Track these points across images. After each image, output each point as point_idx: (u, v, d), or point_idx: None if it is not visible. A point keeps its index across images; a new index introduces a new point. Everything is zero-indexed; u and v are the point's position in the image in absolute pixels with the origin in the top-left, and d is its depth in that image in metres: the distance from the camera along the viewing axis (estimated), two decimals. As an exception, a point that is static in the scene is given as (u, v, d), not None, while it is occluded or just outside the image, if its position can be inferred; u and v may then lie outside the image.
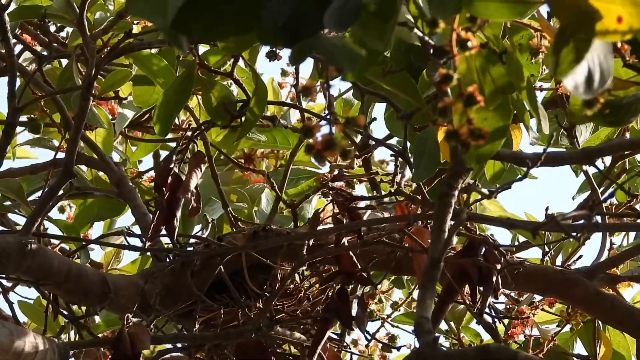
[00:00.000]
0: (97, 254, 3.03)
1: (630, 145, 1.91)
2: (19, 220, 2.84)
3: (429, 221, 2.00)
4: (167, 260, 2.25)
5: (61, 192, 2.20)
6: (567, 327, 2.65)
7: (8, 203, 2.79)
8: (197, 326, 2.16)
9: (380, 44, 1.05)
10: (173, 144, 2.65)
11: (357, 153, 2.26)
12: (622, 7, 0.96)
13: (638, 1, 0.95)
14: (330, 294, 2.21)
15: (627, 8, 0.96)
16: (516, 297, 2.63)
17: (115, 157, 2.89)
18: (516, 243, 2.85)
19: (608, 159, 2.62)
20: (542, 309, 2.62)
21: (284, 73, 3.20)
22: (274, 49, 2.81)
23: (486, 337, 2.78)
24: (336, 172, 2.67)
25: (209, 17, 1.03)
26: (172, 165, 2.30)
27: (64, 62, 2.81)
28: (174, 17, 1.03)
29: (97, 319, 2.71)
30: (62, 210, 3.19)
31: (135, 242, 2.76)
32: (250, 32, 1.04)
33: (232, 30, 1.05)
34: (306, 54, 1.04)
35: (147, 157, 3.08)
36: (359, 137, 2.35)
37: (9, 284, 2.52)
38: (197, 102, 2.67)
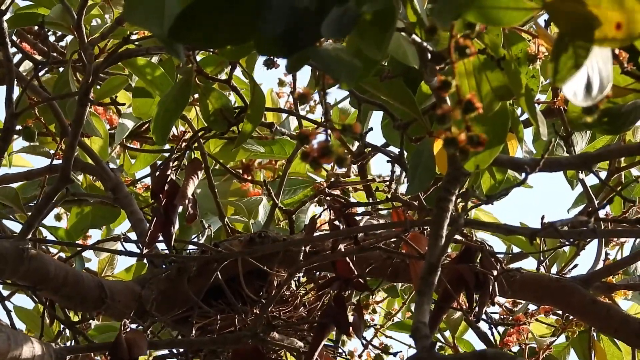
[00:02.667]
0: (94, 265, 3.02)
1: (628, 151, 1.91)
2: (12, 226, 2.86)
3: (425, 227, 2.00)
4: (164, 266, 2.25)
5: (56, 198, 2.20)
6: (562, 337, 2.65)
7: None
8: (193, 332, 2.16)
9: (378, 53, 1.05)
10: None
11: (353, 159, 2.27)
12: (621, 14, 0.97)
13: (637, 8, 0.96)
14: (326, 300, 2.21)
15: (626, 15, 0.97)
16: (510, 307, 2.64)
17: (112, 166, 2.88)
18: (510, 253, 2.85)
19: (603, 174, 2.63)
20: (537, 319, 2.62)
21: (281, 83, 3.21)
22: (272, 57, 2.82)
23: (480, 348, 2.79)
24: (332, 180, 2.67)
25: (206, 26, 1.03)
26: (169, 172, 2.30)
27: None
28: (170, 25, 1.03)
29: (92, 324, 2.71)
30: (58, 218, 3.17)
31: (131, 248, 2.76)
32: (248, 41, 1.04)
33: (230, 39, 1.05)
34: (303, 63, 1.05)
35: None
36: (356, 145, 2.36)
37: (7, 292, 2.52)
38: (195, 113, 2.68)
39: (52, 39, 2.91)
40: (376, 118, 3.08)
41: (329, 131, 1.01)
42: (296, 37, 0.99)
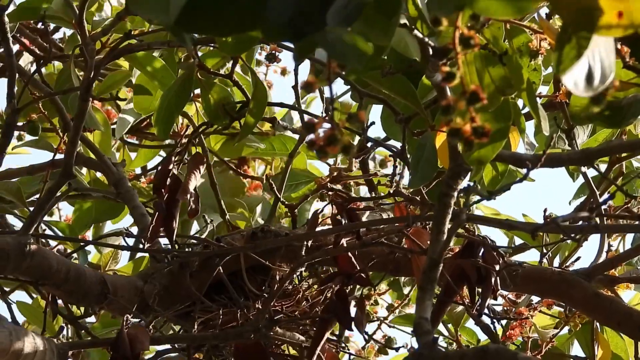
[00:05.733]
0: (94, 256, 3.01)
1: (630, 147, 1.91)
2: (14, 221, 2.86)
3: (428, 222, 2.00)
4: (166, 261, 2.25)
5: (59, 193, 2.19)
6: (566, 329, 2.65)
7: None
8: (195, 327, 2.16)
9: (385, 39, 1.05)
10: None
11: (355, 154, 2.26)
12: (622, 3, 0.97)
13: (638, -3, 0.96)
14: (328, 295, 2.21)
15: (627, 3, 0.96)
16: (514, 299, 2.63)
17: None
18: (512, 246, 2.84)
19: (604, 166, 2.62)
20: (540, 311, 2.62)
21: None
22: (273, 52, 2.82)
23: (483, 339, 2.79)
24: (335, 174, 2.67)
25: (212, 14, 1.02)
26: (170, 167, 2.30)
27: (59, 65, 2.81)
28: (177, 15, 1.03)
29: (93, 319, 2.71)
30: (50, 214, 3.14)
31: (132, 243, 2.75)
32: (255, 29, 1.03)
33: (236, 27, 1.05)
34: (311, 50, 1.04)
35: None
36: (357, 139, 2.35)
37: (8, 289, 2.52)
38: (196, 109, 2.67)
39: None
40: (375, 114, 3.07)
41: (335, 119, 1.00)
42: (301, 26, 0.99)
